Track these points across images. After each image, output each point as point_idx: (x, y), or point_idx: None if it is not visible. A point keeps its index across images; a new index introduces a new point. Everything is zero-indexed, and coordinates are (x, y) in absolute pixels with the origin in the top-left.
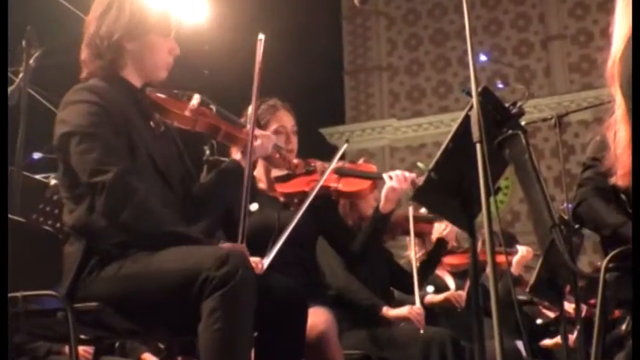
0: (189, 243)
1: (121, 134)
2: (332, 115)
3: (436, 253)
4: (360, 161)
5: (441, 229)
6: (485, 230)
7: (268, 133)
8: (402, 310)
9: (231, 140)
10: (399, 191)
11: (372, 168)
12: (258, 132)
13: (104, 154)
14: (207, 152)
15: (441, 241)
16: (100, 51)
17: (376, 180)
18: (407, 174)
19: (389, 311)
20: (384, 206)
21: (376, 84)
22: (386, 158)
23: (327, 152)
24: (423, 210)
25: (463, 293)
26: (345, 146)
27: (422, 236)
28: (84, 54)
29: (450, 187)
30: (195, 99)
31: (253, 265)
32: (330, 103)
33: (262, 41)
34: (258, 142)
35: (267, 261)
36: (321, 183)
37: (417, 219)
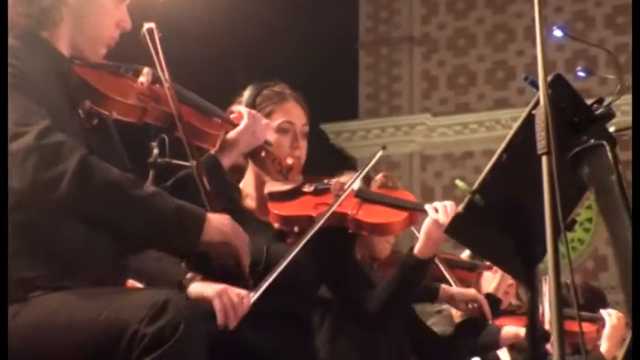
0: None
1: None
2: (339, 106)
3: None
4: (378, 176)
5: (493, 279)
6: (550, 283)
7: (260, 116)
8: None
9: (199, 137)
10: (443, 225)
11: (410, 196)
12: (241, 109)
13: (23, 114)
14: (155, 152)
15: (492, 298)
16: None
17: (415, 212)
18: (450, 205)
19: None
20: (423, 248)
21: (404, 63)
22: (414, 171)
23: (329, 160)
24: (466, 253)
25: None
26: (380, 153)
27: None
28: None
29: (501, 217)
30: (145, 75)
31: (236, 299)
32: (337, 89)
33: (154, 31)
34: (240, 127)
35: (255, 296)
36: (334, 206)
37: (454, 264)
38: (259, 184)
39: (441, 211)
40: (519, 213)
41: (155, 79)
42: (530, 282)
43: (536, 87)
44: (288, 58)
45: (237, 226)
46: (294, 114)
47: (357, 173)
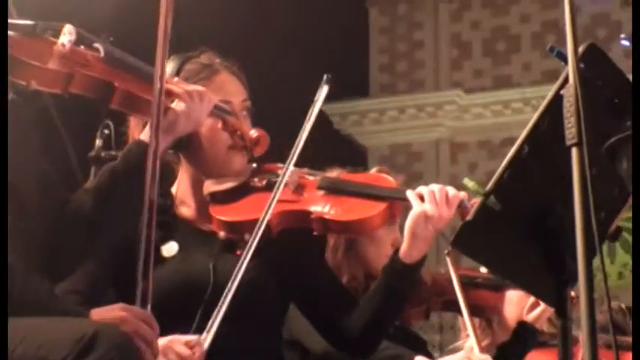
0: (51, 313)
1: None
2: (345, 81)
3: (516, 346)
4: (373, 171)
5: (520, 301)
6: (582, 308)
7: (204, 90)
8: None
9: (141, 108)
10: (438, 222)
11: (389, 181)
12: (182, 86)
13: None
14: (98, 144)
15: (528, 330)
16: None
17: (395, 201)
18: (451, 191)
19: None
20: (408, 250)
21: (428, 24)
22: (442, 163)
23: (332, 151)
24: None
25: None
26: (324, 90)
27: (483, 313)
28: None
29: (522, 224)
30: (67, 35)
31: (185, 353)
32: (343, 59)
33: None
34: (181, 107)
35: (207, 341)
36: (275, 199)
37: (473, 282)
38: (196, 186)
39: (427, 199)
40: (546, 219)
41: (81, 39)
42: (561, 306)
43: (565, 60)
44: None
45: (136, 311)
46: (230, 89)
47: (298, 139)
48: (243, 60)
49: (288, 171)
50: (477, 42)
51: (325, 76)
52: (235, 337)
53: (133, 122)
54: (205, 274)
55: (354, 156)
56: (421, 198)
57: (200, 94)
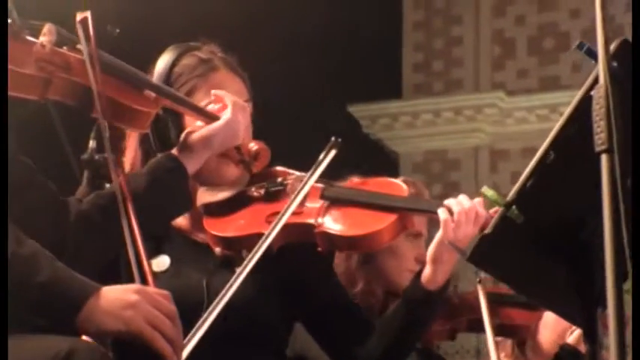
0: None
1: None
2: (375, 81)
3: None
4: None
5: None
6: (611, 332)
7: (236, 99)
8: None
9: (124, 116)
10: (466, 240)
11: (400, 189)
12: (222, 94)
13: None
14: (92, 145)
15: (567, 350)
16: None
17: (406, 213)
18: (480, 206)
19: None
20: (431, 276)
21: (468, 19)
22: (481, 172)
23: (360, 156)
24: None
25: None
26: (331, 155)
27: (515, 334)
28: None
29: (547, 238)
30: (48, 34)
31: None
32: (373, 57)
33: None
34: (221, 122)
35: (184, 353)
36: (286, 216)
37: (506, 300)
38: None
39: (457, 214)
40: (573, 233)
41: (62, 40)
42: (589, 330)
43: (594, 58)
44: (305, 10)
45: (152, 298)
46: (227, 89)
47: (317, 164)
48: (264, 56)
49: (298, 198)
50: (522, 39)
51: (333, 139)
52: (232, 356)
53: (130, 137)
54: (199, 292)
55: (385, 163)
56: (450, 212)
57: (243, 107)
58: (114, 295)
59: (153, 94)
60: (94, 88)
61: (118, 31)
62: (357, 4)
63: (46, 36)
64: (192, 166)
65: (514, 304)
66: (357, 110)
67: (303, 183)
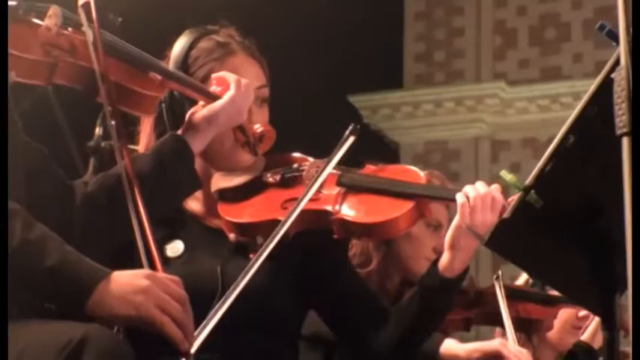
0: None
1: None
2: (376, 71)
3: None
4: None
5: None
6: (631, 318)
7: (238, 77)
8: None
9: (129, 101)
10: (481, 230)
11: (418, 176)
12: (225, 75)
13: None
14: (98, 132)
15: (581, 346)
16: None
17: (424, 200)
18: (497, 192)
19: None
20: (449, 262)
21: (469, 9)
22: (481, 163)
23: (361, 147)
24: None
25: None
26: (350, 140)
27: (531, 328)
28: None
29: (566, 224)
30: (53, 17)
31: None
32: (374, 47)
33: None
34: (224, 100)
35: (196, 342)
36: (303, 203)
37: (521, 295)
38: (205, 178)
39: (473, 199)
40: (593, 218)
41: (67, 21)
42: (607, 316)
43: (616, 40)
44: (303, 2)
45: (162, 281)
46: (245, 74)
47: (339, 148)
48: (264, 47)
49: (316, 184)
50: (523, 29)
51: (352, 126)
52: (243, 349)
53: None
54: (213, 279)
55: (385, 153)
56: (467, 198)
57: (246, 85)
58: (124, 279)
59: (159, 77)
60: (97, 72)
61: (120, 20)
62: None
63: (51, 18)
64: (197, 144)
65: (531, 299)
66: (357, 100)
67: (320, 170)
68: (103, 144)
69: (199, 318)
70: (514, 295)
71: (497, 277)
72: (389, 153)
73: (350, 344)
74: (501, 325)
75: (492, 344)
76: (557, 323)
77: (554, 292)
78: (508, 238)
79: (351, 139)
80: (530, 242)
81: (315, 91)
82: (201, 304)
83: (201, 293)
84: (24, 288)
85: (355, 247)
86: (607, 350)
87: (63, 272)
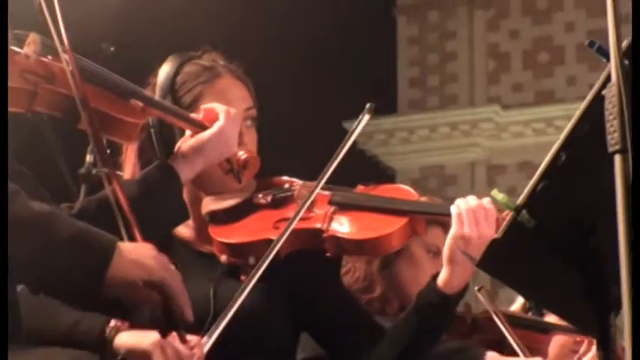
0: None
1: None
2: (370, 97)
3: None
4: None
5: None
6: (626, 340)
7: (227, 108)
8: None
9: (111, 127)
10: (478, 244)
11: (410, 194)
12: (214, 106)
13: None
14: (89, 160)
15: None
16: None
17: (417, 216)
18: (488, 204)
19: None
20: (447, 278)
21: (462, 33)
22: (478, 188)
23: (357, 173)
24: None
25: None
26: (366, 118)
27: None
28: None
29: (560, 244)
30: (32, 44)
31: (184, 351)
32: (368, 72)
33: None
34: (213, 130)
35: (208, 343)
36: (296, 219)
37: (517, 322)
38: (194, 202)
39: (466, 220)
40: (586, 237)
41: (46, 49)
42: (603, 337)
43: (606, 56)
44: (299, 26)
45: (165, 258)
46: (232, 96)
47: (327, 166)
48: (262, 70)
49: (313, 195)
50: (517, 53)
51: (368, 105)
52: None
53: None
54: (205, 302)
55: (381, 179)
56: (459, 215)
57: (235, 113)
58: (132, 246)
59: (140, 104)
60: (77, 99)
61: (112, 49)
62: (351, 20)
63: (30, 46)
64: (185, 173)
65: (526, 326)
66: (352, 127)
67: (333, 157)
68: (93, 171)
69: None
70: (510, 322)
71: (480, 289)
72: (385, 178)
73: None
74: (501, 352)
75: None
76: (553, 349)
77: (551, 317)
78: (500, 259)
79: (367, 117)
80: (523, 263)
81: (309, 117)
82: (194, 326)
83: (195, 316)
84: (40, 265)
85: (358, 271)
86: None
87: (82, 240)
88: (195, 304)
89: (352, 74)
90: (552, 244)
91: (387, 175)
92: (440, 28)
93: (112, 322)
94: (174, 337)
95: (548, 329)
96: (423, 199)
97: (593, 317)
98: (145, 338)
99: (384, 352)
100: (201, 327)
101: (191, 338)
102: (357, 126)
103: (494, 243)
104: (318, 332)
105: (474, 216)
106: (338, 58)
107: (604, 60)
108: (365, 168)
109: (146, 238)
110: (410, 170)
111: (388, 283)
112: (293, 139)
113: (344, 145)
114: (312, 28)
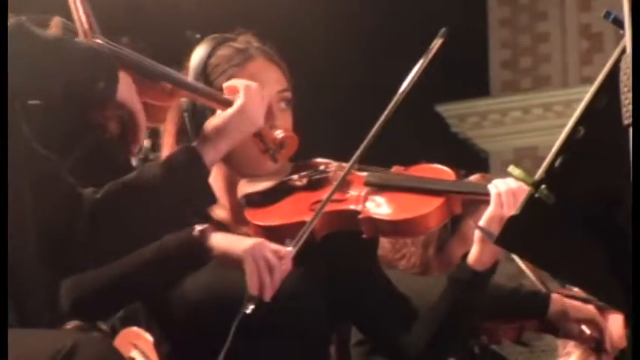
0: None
1: None
2: (462, 79)
3: None
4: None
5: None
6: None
7: (248, 84)
8: None
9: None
10: None
11: (447, 174)
12: (235, 82)
13: None
14: (146, 145)
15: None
16: None
17: (454, 196)
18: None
19: None
20: (478, 255)
21: (554, 14)
22: None
23: (449, 156)
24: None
25: None
26: (438, 44)
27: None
28: None
29: (581, 220)
30: (54, 28)
31: (274, 260)
32: (459, 55)
33: None
34: (233, 109)
35: (293, 250)
36: (329, 199)
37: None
38: (230, 185)
39: (506, 201)
40: (609, 212)
41: (69, 33)
42: (632, 314)
43: (622, 26)
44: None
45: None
46: (265, 78)
47: (426, 53)
48: (342, 52)
49: (350, 168)
50: (609, 33)
51: (442, 30)
52: (279, 351)
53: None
54: (240, 286)
55: (474, 162)
56: (498, 195)
57: (256, 88)
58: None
59: (169, 86)
60: None
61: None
62: (442, 3)
63: (52, 29)
64: (210, 155)
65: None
66: (444, 109)
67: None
68: (151, 156)
69: (226, 324)
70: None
71: None
72: (478, 162)
73: (381, 346)
74: (554, 333)
75: None
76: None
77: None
78: (519, 235)
79: (440, 41)
80: (545, 240)
81: (403, 101)
82: (227, 311)
83: (229, 301)
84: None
85: (414, 256)
86: (632, 347)
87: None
88: (230, 288)
89: (444, 57)
90: (574, 220)
91: (480, 158)
92: (531, 9)
93: (197, 227)
94: (265, 245)
95: (602, 307)
96: (474, 177)
97: (621, 293)
98: (238, 243)
99: (419, 333)
100: (237, 307)
101: (279, 248)
102: (431, 50)
103: (512, 219)
104: (354, 315)
105: (515, 199)
106: (428, 42)
107: (621, 31)
108: (458, 151)
109: (171, 220)
110: (503, 152)
111: (445, 265)
112: (389, 123)
113: (419, 69)
114: (404, 12)
